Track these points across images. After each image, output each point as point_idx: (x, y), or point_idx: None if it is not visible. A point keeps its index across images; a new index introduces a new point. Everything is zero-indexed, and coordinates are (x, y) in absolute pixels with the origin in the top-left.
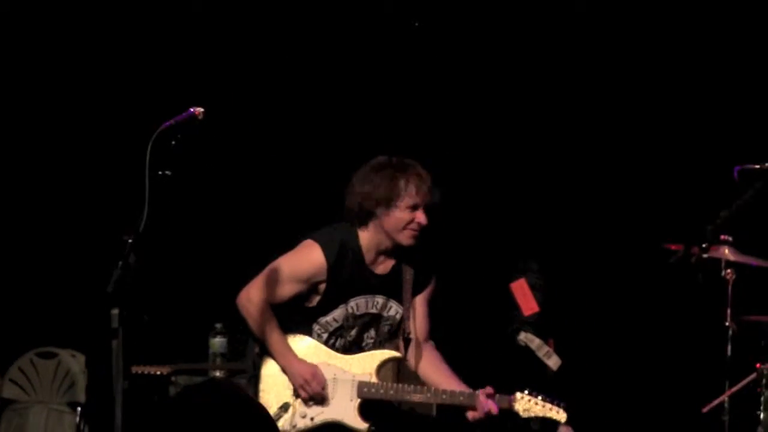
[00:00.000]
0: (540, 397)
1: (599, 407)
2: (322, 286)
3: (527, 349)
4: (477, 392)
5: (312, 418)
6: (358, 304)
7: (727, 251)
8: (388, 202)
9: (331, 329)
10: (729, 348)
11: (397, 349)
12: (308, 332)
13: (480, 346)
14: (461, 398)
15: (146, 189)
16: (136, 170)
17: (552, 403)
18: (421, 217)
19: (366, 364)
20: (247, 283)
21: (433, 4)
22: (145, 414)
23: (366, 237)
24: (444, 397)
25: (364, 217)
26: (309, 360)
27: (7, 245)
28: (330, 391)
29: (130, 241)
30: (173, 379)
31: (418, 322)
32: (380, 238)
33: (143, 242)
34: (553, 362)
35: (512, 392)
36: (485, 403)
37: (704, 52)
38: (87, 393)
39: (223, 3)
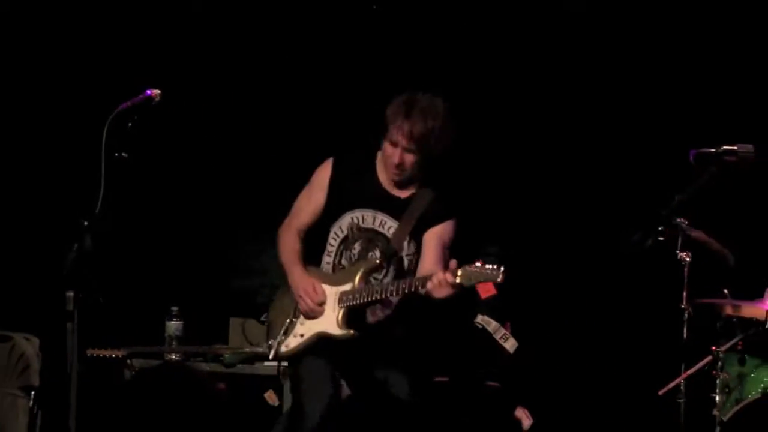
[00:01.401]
0: (478, 264)
1: (555, 390)
2: (330, 188)
3: (484, 332)
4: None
5: (302, 335)
6: (364, 216)
7: (682, 234)
8: (383, 131)
9: (339, 239)
10: (685, 331)
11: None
12: (324, 251)
13: (437, 328)
14: (417, 283)
15: (102, 171)
16: (92, 152)
17: (489, 266)
18: (395, 155)
19: (349, 275)
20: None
21: None
22: (100, 397)
23: (380, 161)
24: (403, 287)
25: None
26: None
27: None
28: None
29: (85, 223)
30: (128, 362)
31: (427, 251)
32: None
33: (99, 225)
34: (510, 345)
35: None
36: (438, 274)
37: (659, 37)
38: (41, 377)
39: None
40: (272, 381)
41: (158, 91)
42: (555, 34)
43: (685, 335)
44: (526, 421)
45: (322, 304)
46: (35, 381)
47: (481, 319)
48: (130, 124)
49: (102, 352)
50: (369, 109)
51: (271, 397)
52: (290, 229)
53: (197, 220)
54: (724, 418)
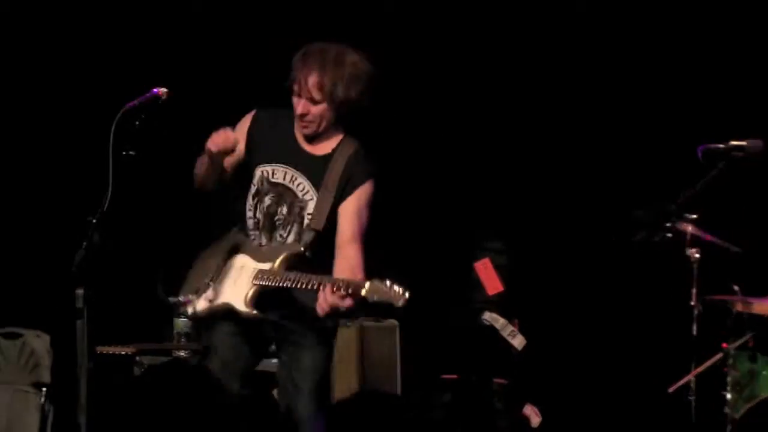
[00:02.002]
0: (388, 282)
1: (564, 387)
2: (248, 138)
3: (492, 329)
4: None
5: (211, 301)
6: (274, 171)
7: (691, 230)
8: (291, 83)
9: (253, 191)
10: (695, 328)
11: (300, 238)
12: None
13: (445, 325)
14: (337, 285)
15: (110, 169)
16: (100, 150)
17: (397, 288)
18: (298, 105)
19: (272, 255)
20: None
21: None
22: (110, 394)
23: None
24: (323, 286)
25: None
26: (229, 243)
27: None
28: (234, 277)
29: (94, 221)
30: (138, 359)
31: (343, 223)
32: None
33: (107, 222)
34: (518, 342)
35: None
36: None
37: (671, 32)
38: (52, 373)
39: None
40: None
41: (165, 90)
42: (563, 27)
43: (695, 332)
44: (535, 419)
45: (227, 142)
46: (46, 377)
47: (488, 316)
48: (137, 123)
49: (112, 349)
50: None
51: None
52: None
53: (206, 216)
54: (736, 416)
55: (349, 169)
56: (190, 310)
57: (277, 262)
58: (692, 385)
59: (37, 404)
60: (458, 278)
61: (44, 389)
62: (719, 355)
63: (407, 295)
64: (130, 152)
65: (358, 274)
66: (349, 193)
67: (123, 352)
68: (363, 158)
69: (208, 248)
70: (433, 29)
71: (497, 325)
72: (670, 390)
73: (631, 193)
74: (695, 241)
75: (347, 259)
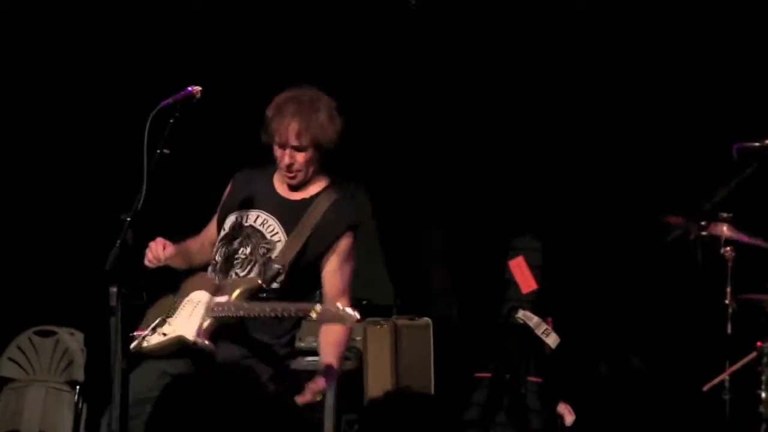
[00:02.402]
0: (338, 305)
1: (599, 386)
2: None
3: (525, 327)
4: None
5: (165, 334)
6: (248, 215)
7: (725, 229)
8: (270, 136)
9: (221, 238)
10: (729, 327)
11: (263, 275)
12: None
13: (479, 324)
14: (292, 310)
15: (144, 167)
16: (135, 149)
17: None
18: (285, 156)
19: (229, 288)
20: None
21: None
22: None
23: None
24: (279, 310)
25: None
26: (190, 285)
27: (5, 224)
28: (189, 311)
29: (128, 219)
30: None
31: (327, 282)
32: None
33: (141, 220)
34: (552, 340)
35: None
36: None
37: (704, 29)
38: (85, 371)
39: None
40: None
41: (199, 88)
42: (596, 27)
43: (729, 331)
44: (569, 417)
45: (158, 255)
46: (80, 375)
47: (522, 315)
48: (171, 121)
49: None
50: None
51: None
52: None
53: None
54: None
55: (328, 217)
56: (143, 344)
57: (234, 294)
58: (727, 383)
59: (70, 402)
60: (492, 277)
61: (78, 387)
62: (754, 354)
63: (358, 315)
64: (165, 150)
65: (330, 339)
66: (328, 247)
67: None
68: (344, 208)
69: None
70: (457, 30)
71: (531, 324)
72: (705, 389)
73: (665, 191)
74: (730, 240)
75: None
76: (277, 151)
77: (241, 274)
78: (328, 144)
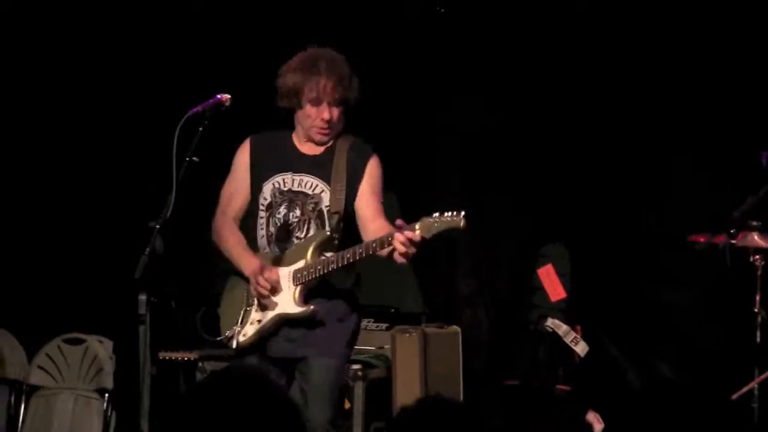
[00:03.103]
0: (436, 214)
1: (627, 394)
2: (251, 166)
3: (554, 335)
4: (390, 232)
5: (259, 321)
6: (284, 180)
7: (755, 237)
8: (296, 97)
9: (264, 208)
10: (758, 335)
11: (323, 227)
12: (257, 226)
13: (508, 332)
14: (374, 245)
15: (173, 175)
16: (164, 156)
17: (449, 214)
18: (323, 112)
19: (300, 252)
20: None
21: None
22: (172, 400)
23: (297, 129)
24: (360, 251)
25: (290, 114)
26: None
27: (34, 231)
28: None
29: (157, 227)
30: (200, 364)
31: (362, 207)
32: (303, 132)
33: (170, 228)
34: (581, 348)
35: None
36: (399, 235)
37: (728, 36)
38: (114, 379)
39: None
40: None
41: (228, 96)
42: (626, 33)
43: (758, 339)
44: (597, 425)
45: (275, 287)
46: (109, 383)
47: (551, 323)
48: (200, 129)
49: (174, 355)
50: None
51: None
52: (225, 218)
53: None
54: None
55: (352, 156)
56: (235, 342)
57: (309, 255)
58: (755, 392)
59: (99, 410)
60: (521, 285)
61: (107, 395)
62: None
63: (463, 213)
64: (194, 158)
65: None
66: (360, 178)
67: (185, 358)
68: (361, 144)
69: (226, 285)
70: (508, 34)
71: (560, 332)
72: (734, 397)
73: (693, 200)
74: (759, 249)
75: (379, 231)
76: (310, 110)
77: (302, 236)
78: (355, 98)
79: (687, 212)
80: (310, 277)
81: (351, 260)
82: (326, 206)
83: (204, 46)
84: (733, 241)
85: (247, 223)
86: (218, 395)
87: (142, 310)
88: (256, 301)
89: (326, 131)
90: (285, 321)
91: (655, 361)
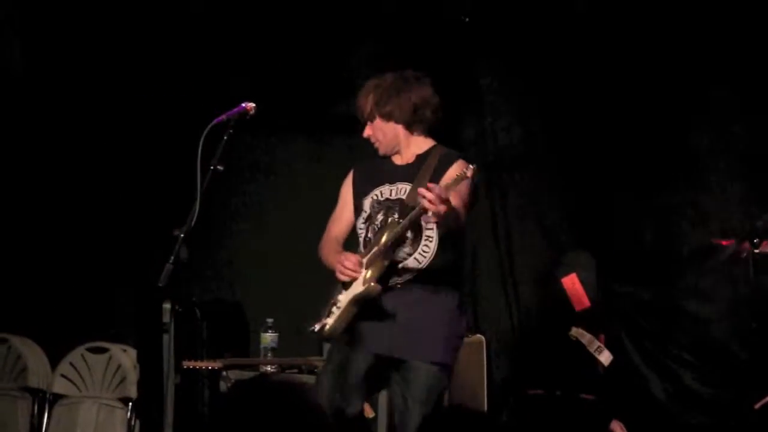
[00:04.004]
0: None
1: (650, 403)
2: (354, 189)
3: (578, 344)
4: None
5: (339, 307)
6: (381, 191)
7: None
8: None
9: (364, 220)
10: None
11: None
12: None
13: (532, 341)
14: (413, 213)
15: (198, 183)
16: (188, 164)
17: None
18: (365, 130)
19: (375, 244)
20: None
21: None
22: (196, 409)
23: None
24: (403, 222)
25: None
26: None
27: (58, 240)
28: (353, 285)
29: (181, 235)
30: (224, 373)
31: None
32: None
33: (195, 236)
34: (604, 358)
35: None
36: (421, 189)
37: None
38: (138, 388)
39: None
40: None
41: (253, 105)
42: (656, 38)
43: None
44: None
45: (357, 266)
46: (132, 392)
47: (575, 332)
48: (225, 137)
49: (198, 364)
50: None
51: (366, 409)
52: (328, 237)
53: (296, 234)
54: None
55: (441, 160)
56: (325, 329)
57: (382, 241)
58: None
59: (123, 419)
60: (546, 294)
61: (130, 404)
62: None
63: (473, 165)
64: (219, 167)
65: None
66: (442, 175)
67: (209, 367)
68: (451, 152)
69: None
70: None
71: (584, 341)
72: (756, 406)
73: (716, 209)
74: None
75: None
76: None
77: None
78: (389, 113)
79: (712, 221)
80: (373, 257)
81: (403, 232)
82: (404, 198)
83: (231, 56)
84: (757, 251)
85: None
86: (243, 404)
87: (167, 318)
88: (340, 293)
89: (376, 146)
90: (358, 302)
91: (680, 370)
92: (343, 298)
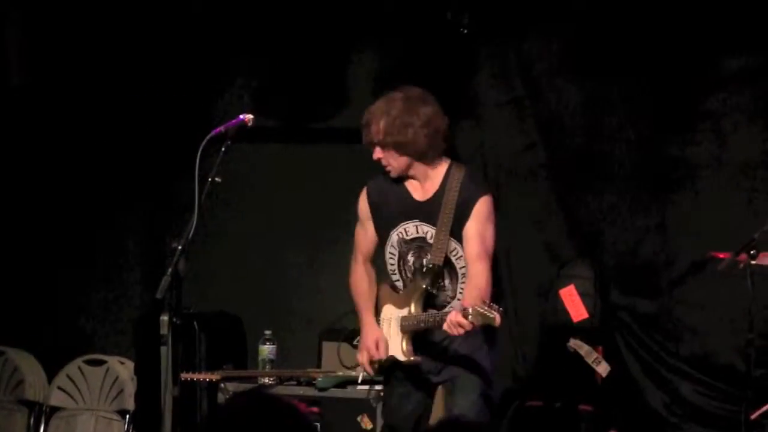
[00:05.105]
0: (486, 306)
1: (648, 414)
2: (373, 214)
3: (576, 356)
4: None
5: (379, 359)
6: (406, 229)
7: None
8: None
9: (395, 258)
10: None
11: (450, 274)
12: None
13: (530, 352)
14: (436, 320)
15: (196, 195)
16: (186, 176)
17: (490, 306)
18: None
19: (407, 298)
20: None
21: None
22: (193, 421)
23: None
24: (430, 321)
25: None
26: (380, 299)
27: (55, 253)
28: (387, 329)
29: (179, 247)
30: (222, 385)
31: (467, 246)
32: None
33: (192, 249)
34: (603, 369)
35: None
36: (451, 315)
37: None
38: (135, 400)
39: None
40: (366, 405)
41: (251, 116)
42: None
43: None
44: None
45: (376, 362)
46: (130, 404)
47: (573, 343)
48: (223, 149)
49: (196, 376)
50: None
51: (364, 421)
52: (357, 261)
53: (286, 246)
54: None
55: (461, 197)
56: (361, 377)
57: (412, 305)
58: None
59: (120, 431)
60: (544, 305)
61: (128, 416)
62: None
63: (501, 310)
64: (217, 178)
65: (484, 291)
66: (467, 217)
67: (207, 379)
68: (471, 181)
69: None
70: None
71: (582, 352)
72: (753, 417)
73: (714, 221)
74: None
75: (473, 278)
76: None
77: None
78: (403, 143)
79: (712, 233)
80: (412, 327)
81: (423, 327)
82: (428, 258)
83: (232, 68)
84: (754, 262)
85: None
86: (240, 416)
87: (164, 330)
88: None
89: (388, 169)
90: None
91: (677, 381)
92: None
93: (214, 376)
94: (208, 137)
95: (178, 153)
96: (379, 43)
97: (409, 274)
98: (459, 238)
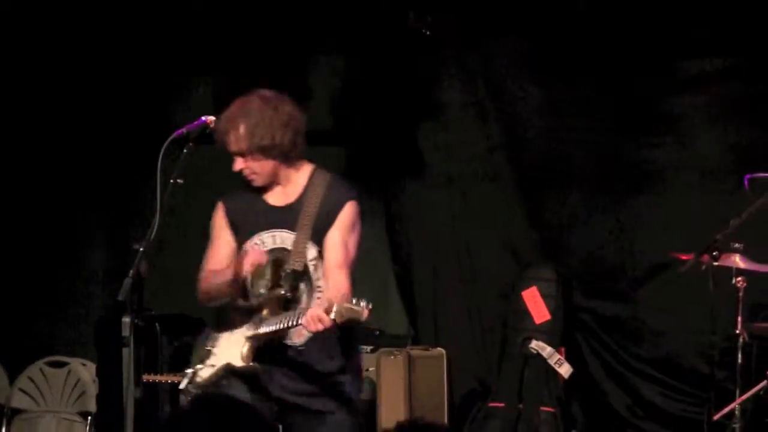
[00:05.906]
0: (353, 301)
1: (610, 416)
2: (230, 224)
3: (539, 357)
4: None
5: (213, 365)
6: (263, 240)
7: (737, 259)
8: None
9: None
10: (740, 356)
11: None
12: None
13: (492, 353)
14: (291, 321)
15: (158, 197)
16: (147, 178)
17: (363, 303)
18: (234, 164)
19: (259, 306)
20: None
21: None
22: (156, 423)
23: None
24: (287, 323)
25: None
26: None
27: (17, 254)
28: (228, 337)
29: (141, 249)
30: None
31: (327, 253)
32: None
33: (154, 250)
34: (564, 370)
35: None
36: (310, 311)
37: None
38: (98, 402)
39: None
40: None
41: (213, 118)
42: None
43: (740, 360)
44: None
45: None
46: (92, 406)
47: (535, 345)
48: (185, 150)
49: (159, 378)
50: None
51: None
52: (201, 276)
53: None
54: None
55: (324, 202)
56: (196, 378)
57: (266, 310)
58: (737, 412)
59: None
60: (507, 307)
61: (90, 418)
62: (764, 383)
63: (370, 306)
64: (178, 180)
65: (347, 297)
66: (331, 224)
67: (170, 381)
68: (336, 186)
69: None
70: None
71: (544, 354)
72: (715, 418)
73: (676, 222)
74: (741, 271)
75: (334, 287)
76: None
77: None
78: (270, 146)
79: (672, 234)
80: (256, 332)
81: (280, 328)
82: (289, 262)
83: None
84: (716, 263)
85: None
86: (202, 417)
87: (126, 332)
88: (216, 345)
89: (251, 180)
90: (234, 372)
91: (639, 383)
92: (217, 360)
93: (176, 378)
94: (170, 139)
95: (141, 155)
96: (342, 45)
97: (262, 290)
98: (320, 245)
